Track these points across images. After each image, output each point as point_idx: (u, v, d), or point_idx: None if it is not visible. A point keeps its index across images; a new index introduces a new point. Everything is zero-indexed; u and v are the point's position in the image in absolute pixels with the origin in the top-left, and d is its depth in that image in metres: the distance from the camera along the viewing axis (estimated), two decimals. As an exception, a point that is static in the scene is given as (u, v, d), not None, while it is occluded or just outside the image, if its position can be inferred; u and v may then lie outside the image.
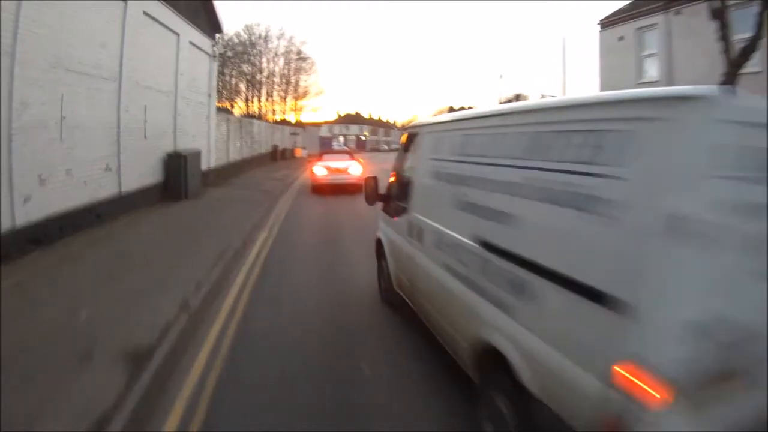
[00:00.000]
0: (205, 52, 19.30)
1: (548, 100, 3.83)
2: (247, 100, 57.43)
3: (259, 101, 58.01)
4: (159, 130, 14.24)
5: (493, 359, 3.24)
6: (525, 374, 2.89)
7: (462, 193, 3.98)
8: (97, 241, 9.15)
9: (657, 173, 2.18)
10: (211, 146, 20.35)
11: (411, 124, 6.23)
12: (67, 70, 9.35)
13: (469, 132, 4.22)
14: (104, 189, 10.95)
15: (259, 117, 48.74)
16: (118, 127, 11.49)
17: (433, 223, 4.53)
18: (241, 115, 43.62)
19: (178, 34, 15.50)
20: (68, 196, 9.54)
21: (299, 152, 48.31)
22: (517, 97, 64.94)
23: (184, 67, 16.29)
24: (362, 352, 5.05)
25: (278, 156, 40.26)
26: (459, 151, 4.27)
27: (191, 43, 17.08)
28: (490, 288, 3.39)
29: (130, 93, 12.01)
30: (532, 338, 2.88)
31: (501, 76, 53.49)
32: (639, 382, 2.14)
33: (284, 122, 55.38)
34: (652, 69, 18.77)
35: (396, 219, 5.82)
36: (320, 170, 18.33)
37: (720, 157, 2.09)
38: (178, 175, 14.51)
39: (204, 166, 18.50)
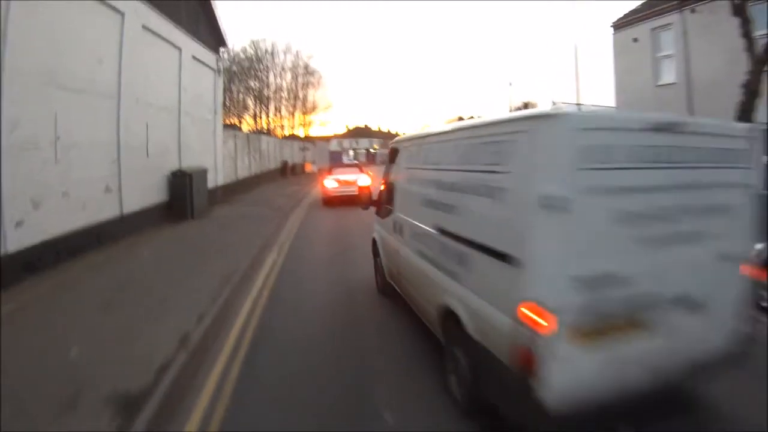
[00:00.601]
0: (210, 67, 18.85)
1: (468, 122, 5.37)
2: (255, 115, 57.32)
3: (268, 117, 57.89)
4: (162, 148, 13.72)
5: (450, 319, 4.25)
6: (469, 324, 3.89)
7: (426, 193, 5.11)
8: (95, 266, 8.57)
9: (529, 167, 3.20)
10: (218, 163, 19.85)
11: (394, 140, 7.38)
12: (61, 87, 8.85)
13: (427, 145, 5.42)
14: (104, 211, 10.40)
15: (268, 132, 48.44)
16: (118, 145, 10.97)
17: (410, 219, 5.66)
18: (250, 131, 43.34)
19: (179, 49, 15.04)
20: (65, 220, 9.00)
21: (309, 167, 47.87)
22: (525, 105, 64.71)
23: (188, 83, 15.83)
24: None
25: (288, 171, 39.93)
26: (422, 161, 5.44)
27: (194, 57, 16.65)
28: (446, 263, 4.46)
29: (130, 110, 11.50)
30: (471, 296, 3.90)
31: (510, 84, 52.59)
32: (534, 317, 3.08)
33: (293, 137, 55.14)
34: (669, 71, 18.00)
35: (385, 219, 6.94)
36: (331, 183, 18.99)
37: (571, 153, 3.04)
38: (183, 194, 13.96)
39: (211, 184, 17.98)
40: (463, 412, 4.06)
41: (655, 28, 18.56)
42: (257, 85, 56.66)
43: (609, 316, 3.23)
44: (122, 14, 11.01)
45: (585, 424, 3.26)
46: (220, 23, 19.38)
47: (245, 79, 55.30)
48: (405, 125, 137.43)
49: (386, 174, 7.15)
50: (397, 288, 6.51)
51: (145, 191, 12.48)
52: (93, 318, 5.98)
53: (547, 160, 3.11)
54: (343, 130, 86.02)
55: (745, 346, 3.84)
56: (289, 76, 59.06)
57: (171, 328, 5.62)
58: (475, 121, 4.84)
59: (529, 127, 3.31)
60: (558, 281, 3.08)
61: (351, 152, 70.73)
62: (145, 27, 12.35)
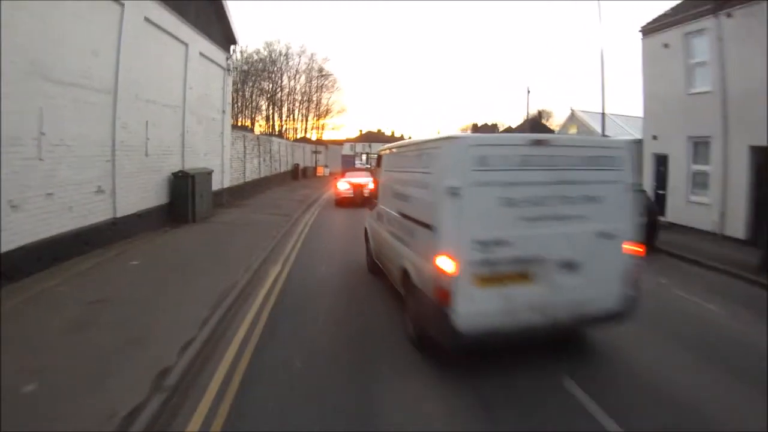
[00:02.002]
0: (219, 65, 18.10)
1: (416, 139, 7.17)
2: (268, 118, 56.83)
3: (281, 119, 57.37)
4: (164, 148, 12.94)
5: (406, 275, 5.93)
6: (414, 277, 5.59)
7: (394, 188, 6.93)
8: (77, 276, 7.75)
9: (442, 169, 4.92)
10: (225, 165, 19.08)
11: (380, 149, 9.24)
12: (48, 79, 8.08)
13: (396, 154, 7.42)
14: (95, 214, 9.61)
15: (280, 135, 47.79)
16: (113, 144, 10.18)
17: (386, 208, 7.39)
18: (261, 133, 42.73)
19: (186, 44, 14.28)
20: (49, 224, 8.22)
21: (321, 171, 47.01)
22: (539, 114, 64.31)
23: (194, 80, 15.07)
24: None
25: (299, 175, 39.22)
26: (393, 165, 7.30)
27: (202, 54, 15.89)
28: (403, 236, 6.23)
29: (128, 107, 10.73)
30: (415, 257, 5.63)
31: (529, 91, 51.33)
32: (444, 264, 4.69)
33: (306, 140, 54.48)
34: (703, 78, 16.89)
35: (372, 211, 8.80)
36: (343, 185, 20.94)
37: (465, 161, 4.68)
38: (185, 197, 13.16)
39: (217, 186, 17.22)
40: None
41: (687, 34, 17.39)
42: (270, 86, 56.19)
43: (500, 268, 4.78)
44: (122, 5, 10.25)
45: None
46: (230, 20, 18.64)
47: (258, 80, 54.84)
48: (419, 131, 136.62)
49: (375, 176, 9.40)
50: (379, 264, 8.23)
51: (142, 193, 11.70)
52: (61, 342, 5.14)
53: (451, 165, 4.80)
54: (356, 135, 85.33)
55: (629, 306, 5.30)
56: (303, 78, 58.64)
57: (148, 360, 4.75)
58: (419, 139, 6.83)
59: (442, 144, 5.14)
60: (460, 241, 4.68)
61: (364, 156, 69.89)
62: (147, 19, 11.60)
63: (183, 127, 14.34)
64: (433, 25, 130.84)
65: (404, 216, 6.20)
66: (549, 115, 76.20)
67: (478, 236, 4.67)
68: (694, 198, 16.04)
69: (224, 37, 18.64)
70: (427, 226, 5.16)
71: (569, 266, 4.96)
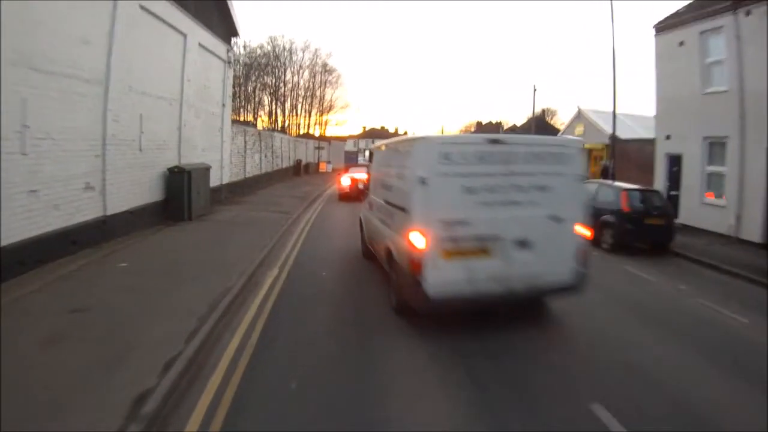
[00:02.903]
0: (219, 57, 17.53)
1: (396, 138, 8.89)
2: (270, 113, 56.21)
3: (283, 114, 56.76)
4: (159, 142, 12.41)
5: (389, 254, 6.91)
6: (395, 253, 6.55)
7: (381, 180, 8.06)
8: (59, 280, 7.24)
9: (415, 163, 5.90)
10: (225, 160, 18.56)
11: (371, 147, 10.74)
12: (32, 69, 7.56)
13: (383, 151, 8.58)
14: (83, 212, 9.09)
15: (283, 130, 47.16)
16: (104, 138, 9.65)
17: (375, 198, 8.43)
18: (264, 129, 42.13)
19: (184, 35, 13.71)
20: (32, 222, 7.71)
21: (324, 167, 46.37)
22: (543, 112, 63.63)
23: (193, 72, 14.52)
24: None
25: (302, 171, 38.70)
26: (380, 161, 8.58)
27: (201, 45, 15.32)
28: (387, 220, 7.31)
29: (120, 99, 10.21)
30: (395, 236, 6.58)
31: (535, 89, 50.65)
32: (415, 239, 5.66)
33: (308, 136, 53.87)
34: (720, 78, 16.28)
35: (365, 201, 9.81)
36: (346, 180, 21.94)
37: (433, 157, 5.66)
38: (181, 193, 12.64)
39: (215, 182, 16.71)
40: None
41: (704, 32, 16.78)
42: (273, 81, 55.55)
43: (463, 244, 5.73)
44: (115, -10, 9.71)
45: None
46: (232, 11, 18.08)
47: (261, 75, 54.20)
48: (423, 128, 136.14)
49: (368, 171, 10.96)
50: (370, 248, 9.13)
51: (135, 190, 11.18)
52: (26, 361, 4.63)
53: (421, 160, 5.82)
54: (359, 131, 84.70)
55: (580, 281, 6.27)
56: (306, 74, 57.97)
57: (122, 386, 4.25)
58: (399, 138, 8.24)
59: (415, 143, 6.20)
60: (428, 221, 5.67)
61: (366, 153, 69.39)
62: (143, 8, 11.06)
63: (180, 120, 13.80)
64: (439, 23, 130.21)
65: (388, 203, 7.30)
66: (553, 113, 75.61)
67: (444, 217, 5.70)
68: (708, 200, 15.52)
69: (225, 28, 18.08)
70: (403, 209, 6.32)
71: (523, 244, 5.94)
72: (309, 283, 8.11)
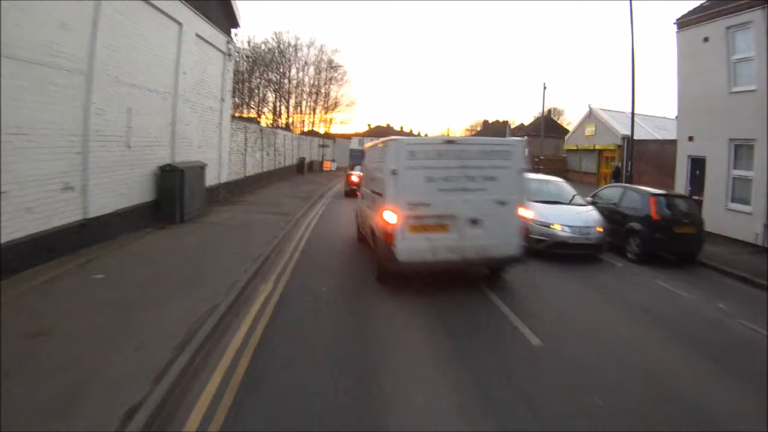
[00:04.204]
0: (218, 49, 16.66)
1: (375, 140, 12.41)
2: (274, 110, 55.31)
3: (288, 111, 55.85)
4: (150, 139, 11.57)
5: (373, 232, 8.60)
6: (376, 231, 8.27)
7: (369, 174, 9.94)
8: (25, 295, 6.38)
9: (389, 159, 7.65)
10: (223, 158, 17.71)
11: (365, 146, 13.62)
12: (2, 56, 6.73)
13: (370, 149, 10.66)
14: (61, 215, 8.25)
15: (287, 128, 46.23)
16: (86, 133, 8.81)
17: (365, 189, 10.29)
18: (267, 125, 41.25)
19: (180, 24, 12.85)
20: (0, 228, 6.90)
21: (328, 165, 45.35)
22: (549, 112, 62.61)
23: (189, 64, 13.67)
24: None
25: (305, 169, 37.87)
26: (369, 157, 10.47)
27: (198, 36, 14.45)
28: (371, 205, 8.98)
29: (105, 91, 9.37)
30: (375, 216, 8.30)
31: (545, 87, 49.56)
32: (388, 216, 7.55)
33: (313, 133, 52.94)
34: (747, 76, 15.30)
35: (358, 194, 11.89)
36: (352, 178, 22.12)
37: (403, 154, 7.52)
38: (172, 194, 11.81)
39: (212, 182, 15.91)
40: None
41: (730, 27, 15.83)
42: (278, 77, 54.62)
43: (425, 221, 7.51)
44: (99, -30, 8.85)
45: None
46: (233, 1, 17.23)
47: (266, 71, 53.29)
48: (429, 126, 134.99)
49: (362, 167, 12.57)
50: (362, 232, 10.68)
51: (122, 190, 10.34)
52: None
53: (394, 156, 7.52)
54: (364, 129, 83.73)
55: (520, 254, 8.03)
56: (311, 70, 57.05)
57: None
58: (381, 139, 9.81)
59: (389, 143, 7.88)
60: (398, 202, 7.44)
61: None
62: (132, -8, 10.21)
63: (174, 115, 12.95)
64: (447, 20, 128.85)
65: (373, 192, 8.95)
66: (560, 113, 74.56)
67: (410, 199, 7.47)
68: (733, 206, 14.62)
69: (225, 19, 17.23)
70: (380, 194, 8.01)
71: (474, 222, 7.64)
72: (306, 303, 7.19)
